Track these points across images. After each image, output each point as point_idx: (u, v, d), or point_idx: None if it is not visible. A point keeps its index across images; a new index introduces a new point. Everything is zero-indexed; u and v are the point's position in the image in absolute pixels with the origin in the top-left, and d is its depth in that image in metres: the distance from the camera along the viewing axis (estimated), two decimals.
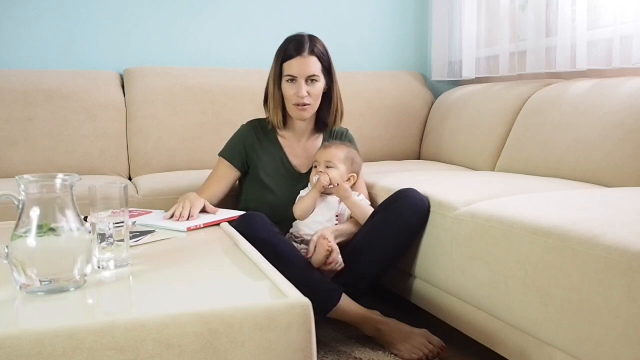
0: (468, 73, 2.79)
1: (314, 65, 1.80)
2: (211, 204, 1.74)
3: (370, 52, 3.05)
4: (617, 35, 1.98)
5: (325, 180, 1.75)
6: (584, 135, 1.85)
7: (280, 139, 1.93)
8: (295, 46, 1.81)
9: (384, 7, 3.05)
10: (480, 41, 2.75)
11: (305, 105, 1.81)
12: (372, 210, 1.76)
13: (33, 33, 2.57)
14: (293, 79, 1.80)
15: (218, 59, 2.80)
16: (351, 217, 1.79)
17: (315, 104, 1.85)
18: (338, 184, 1.76)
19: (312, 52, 1.80)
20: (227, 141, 1.95)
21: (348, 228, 1.76)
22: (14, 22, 2.55)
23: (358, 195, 1.82)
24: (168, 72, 2.59)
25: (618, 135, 1.75)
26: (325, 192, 1.79)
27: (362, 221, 1.75)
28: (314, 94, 1.81)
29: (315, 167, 1.82)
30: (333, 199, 1.80)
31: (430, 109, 2.89)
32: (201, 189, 1.89)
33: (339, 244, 1.66)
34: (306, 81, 1.79)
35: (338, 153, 1.80)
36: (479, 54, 2.76)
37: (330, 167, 1.79)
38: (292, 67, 1.80)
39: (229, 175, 1.90)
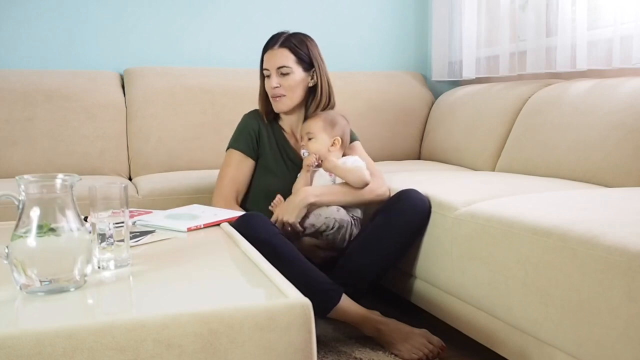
0: (468, 73, 2.79)
1: (283, 57, 1.83)
2: (237, 204, 1.85)
3: (370, 52, 3.05)
4: (617, 35, 1.98)
5: (310, 161, 1.75)
6: (584, 135, 1.85)
7: (282, 128, 1.94)
8: (269, 41, 1.87)
9: (384, 7, 3.05)
10: (480, 41, 2.75)
11: (278, 96, 1.83)
12: (366, 171, 1.74)
13: (33, 33, 2.57)
14: (268, 73, 1.85)
15: (218, 59, 2.80)
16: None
17: (291, 95, 1.84)
18: (322, 160, 1.75)
19: (283, 45, 1.84)
20: (232, 134, 1.94)
21: (335, 188, 1.74)
22: (14, 22, 2.55)
23: (349, 161, 1.78)
24: (168, 72, 2.59)
25: (618, 135, 1.75)
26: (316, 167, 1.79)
27: (358, 185, 1.72)
28: (286, 85, 1.83)
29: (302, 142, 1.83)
30: (324, 171, 1.78)
31: (430, 109, 2.89)
32: (220, 191, 1.85)
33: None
34: (278, 74, 1.82)
35: (315, 122, 1.81)
36: (479, 54, 2.76)
37: (311, 139, 1.79)
38: (265, 60, 1.87)
39: (245, 166, 1.89)
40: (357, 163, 1.77)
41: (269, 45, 1.86)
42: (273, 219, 1.71)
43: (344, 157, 1.82)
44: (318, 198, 1.71)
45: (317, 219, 1.70)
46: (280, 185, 1.83)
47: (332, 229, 1.70)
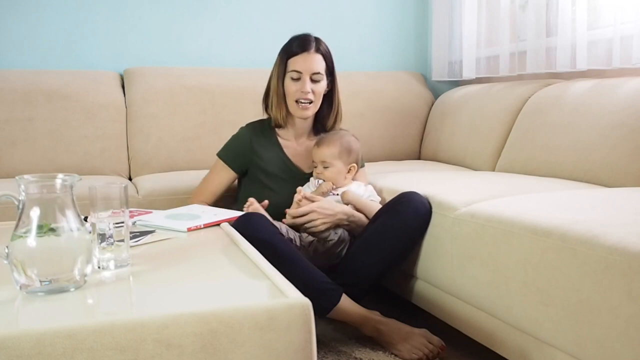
0: (468, 73, 2.79)
1: (319, 63, 1.83)
2: (208, 204, 1.84)
3: (370, 52, 3.05)
4: (617, 35, 1.98)
5: (326, 189, 1.77)
6: (584, 135, 1.85)
7: (280, 140, 1.93)
8: (301, 43, 1.84)
9: (384, 7, 3.05)
10: (480, 41, 2.75)
11: (308, 102, 1.82)
12: (379, 205, 1.78)
13: (33, 33, 2.57)
14: (298, 75, 1.81)
15: (218, 59, 2.80)
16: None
17: (317, 102, 1.86)
18: (336, 187, 1.77)
19: (317, 50, 1.83)
20: (225, 141, 1.96)
21: (361, 219, 1.77)
22: (14, 22, 2.55)
23: (366, 186, 1.83)
24: (168, 72, 2.59)
25: (618, 135, 1.75)
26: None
27: (371, 216, 1.76)
28: (316, 92, 1.83)
29: (315, 166, 1.83)
30: (337, 197, 1.80)
31: (430, 109, 2.89)
32: (198, 189, 1.93)
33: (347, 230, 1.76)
34: (310, 79, 1.81)
35: (331, 150, 1.79)
36: (479, 54, 2.76)
37: (327, 167, 1.79)
38: (297, 62, 1.81)
39: (225, 176, 1.92)
40: (372, 196, 1.82)
41: (303, 48, 1.82)
42: (307, 208, 1.70)
43: (355, 183, 1.84)
44: (348, 221, 1.74)
45: (335, 231, 1.75)
46: (277, 199, 1.83)
47: (337, 244, 1.74)
